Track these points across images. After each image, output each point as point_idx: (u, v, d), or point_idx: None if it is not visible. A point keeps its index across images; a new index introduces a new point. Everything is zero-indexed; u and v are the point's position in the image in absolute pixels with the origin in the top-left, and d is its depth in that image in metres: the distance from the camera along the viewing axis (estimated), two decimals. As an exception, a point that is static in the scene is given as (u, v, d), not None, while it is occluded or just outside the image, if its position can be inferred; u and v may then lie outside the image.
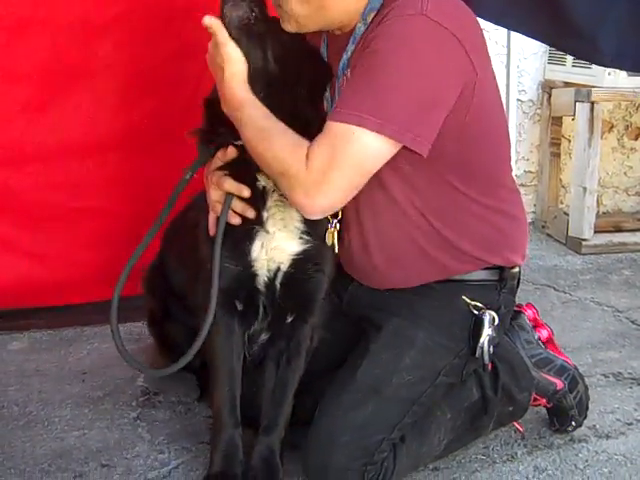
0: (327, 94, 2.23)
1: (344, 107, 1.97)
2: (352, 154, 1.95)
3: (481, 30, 2.14)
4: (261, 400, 2.32)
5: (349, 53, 2.14)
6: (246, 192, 2.15)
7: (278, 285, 2.21)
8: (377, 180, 2.08)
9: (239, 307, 2.24)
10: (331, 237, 2.24)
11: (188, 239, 2.41)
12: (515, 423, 2.49)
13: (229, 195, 2.15)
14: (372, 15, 2.08)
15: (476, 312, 2.26)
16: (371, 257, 2.26)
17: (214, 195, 2.20)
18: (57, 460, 2.40)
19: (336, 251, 2.27)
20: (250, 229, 2.16)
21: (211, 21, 2.05)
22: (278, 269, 2.19)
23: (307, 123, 2.08)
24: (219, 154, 2.19)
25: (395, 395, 2.20)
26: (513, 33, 3.80)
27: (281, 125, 2.04)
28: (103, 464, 2.39)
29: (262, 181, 2.16)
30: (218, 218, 2.16)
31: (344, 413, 2.16)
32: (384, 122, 1.93)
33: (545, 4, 2.61)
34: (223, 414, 2.24)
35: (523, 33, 2.93)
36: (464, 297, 2.26)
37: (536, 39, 2.98)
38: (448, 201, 2.19)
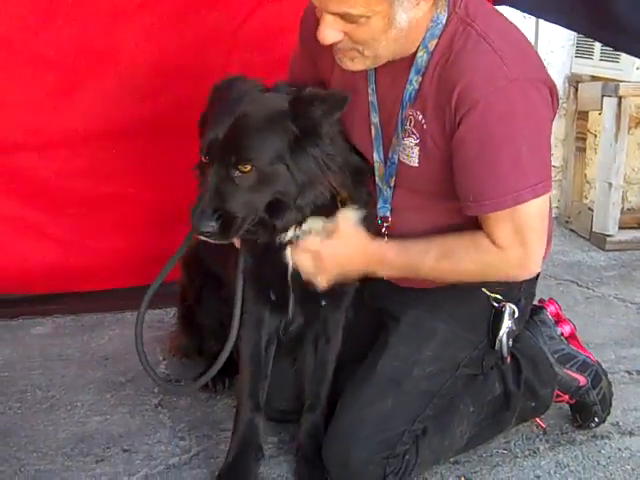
0: (375, 120, 2.17)
1: (488, 197, 2.00)
2: (531, 222, 2.05)
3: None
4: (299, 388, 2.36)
5: (415, 84, 2.07)
6: None
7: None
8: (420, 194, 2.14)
9: (272, 297, 2.24)
10: None
11: None
12: (537, 419, 2.49)
13: None
14: (434, 43, 2.04)
15: (496, 304, 2.27)
16: None
17: None
18: (79, 444, 2.42)
19: None
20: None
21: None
22: None
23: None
24: None
25: (415, 387, 2.20)
26: (540, 26, 3.79)
27: (436, 241, 2.10)
28: (125, 449, 2.40)
29: None
30: None
31: (364, 406, 2.17)
32: (544, 181, 2.03)
33: None
34: (244, 398, 2.27)
35: (564, 26, 2.92)
36: (484, 289, 2.26)
37: (577, 31, 2.97)
38: None
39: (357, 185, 2.16)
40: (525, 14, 3.64)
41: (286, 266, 2.17)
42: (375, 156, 2.20)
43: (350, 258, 2.13)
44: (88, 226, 3.24)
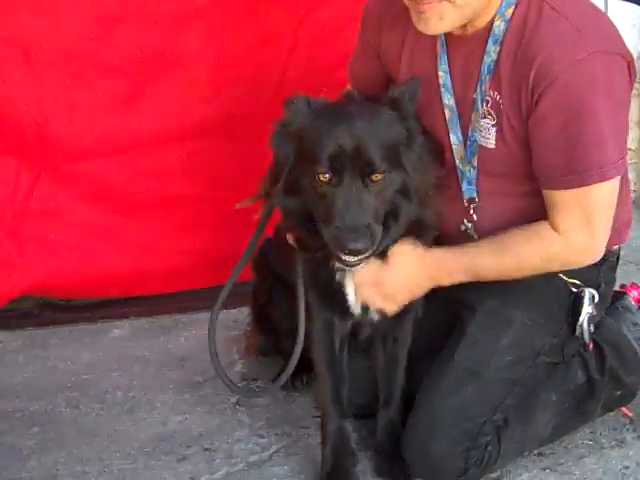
0: (449, 102, 2.16)
1: (577, 172, 1.98)
2: (603, 204, 2.04)
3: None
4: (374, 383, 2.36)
5: (493, 54, 2.04)
6: None
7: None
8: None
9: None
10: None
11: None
12: (623, 408, 2.42)
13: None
14: (510, 11, 2.01)
15: (575, 290, 2.22)
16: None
17: None
18: (160, 444, 2.45)
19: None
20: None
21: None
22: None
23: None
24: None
25: (495, 376, 2.16)
26: (610, 4, 3.68)
27: (492, 240, 2.10)
28: (205, 448, 2.42)
29: None
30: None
31: (444, 398, 2.14)
32: (618, 164, 2.00)
33: None
34: (329, 406, 2.26)
35: None
36: (561, 275, 2.21)
37: None
38: None
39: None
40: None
41: (345, 294, 2.19)
42: (453, 138, 2.17)
43: (412, 277, 2.13)
44: (160, 228, 3.27)
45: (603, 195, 2.02)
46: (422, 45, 2.16)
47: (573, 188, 1.99)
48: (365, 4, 2.39)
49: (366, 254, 1.96)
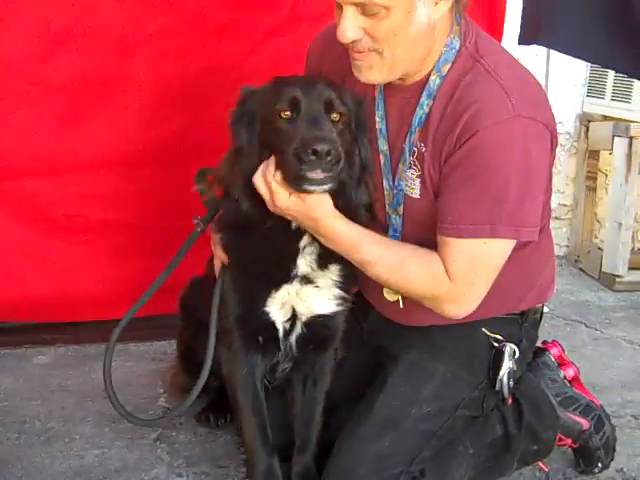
0: (384, 148, 2.19)
1: (471, 223, 2.00)
2: (491, 261, 2.06)
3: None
4: (289, 423, 2.33)
5: (425, 108, 2.09)
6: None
7: (299, 330, 2.21)
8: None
9: (261, 341, 2.23)
10: (391, 295, 2.23)
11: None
12: (539, 463, 2.44)
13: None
14: (447, 67, 2.06)
15: (496, 344, 2.25)
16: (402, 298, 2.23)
17: (217, 252, 2.26)
18: (75, 479, 2.40)
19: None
20: (278, 280, 2.15)
21: (278, 180, 1.99)
22: (299, 318, 2.20)
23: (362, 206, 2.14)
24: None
25: (413, 427, 2.17)
26: (552, 64, 3.79)
27: (402, 249, 2.10)
28: (121, 484, 2.38)
29: (303, 241, 2.13)
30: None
31: (362, 446, 2.14)
32: (518, 227, 2.03)
33: (627, 33, 2.58)
34: (256, 446, 2.24)
35: (602, 65, 2.90)
36: (484, 329, 2.25)
37: (616, 70, 2.95)
38: None
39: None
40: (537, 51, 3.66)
41: (274, 323, 2.18)
42: (385, 184, 2.20)
43: (307, 218, 2.04)
44: (90, 254, 3.25)
45: (491, 253, 2.04)
46: (362, 88, 2.19)
47: (465, 238, 2.01)
48: (309, 45, 2.43)
49: (330, 173, 1.92)
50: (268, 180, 1.99)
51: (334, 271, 2.17)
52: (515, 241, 2.06)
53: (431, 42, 2.05)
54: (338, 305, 2.20)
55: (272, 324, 2.18)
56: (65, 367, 3.06)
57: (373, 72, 2.06)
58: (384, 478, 2.11)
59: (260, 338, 2.22)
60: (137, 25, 3.07)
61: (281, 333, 2.20)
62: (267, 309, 2.16)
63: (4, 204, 3.17)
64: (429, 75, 2.09)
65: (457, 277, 2.04)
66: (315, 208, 2.01)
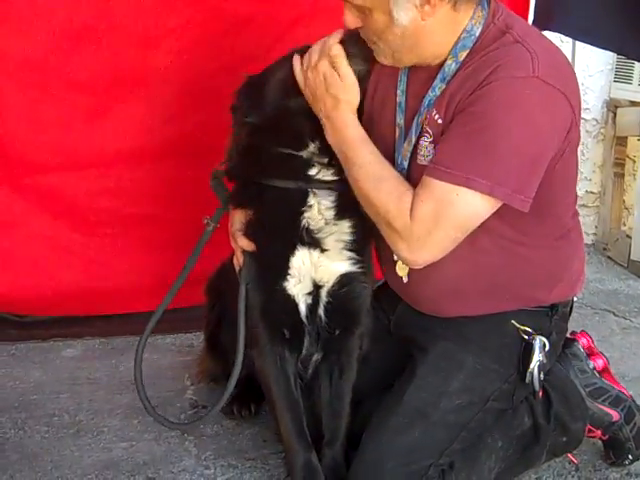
0: (401, 122, 2.19)
1: (449, 167, 1.96)
2: (457, 215, 1.99)
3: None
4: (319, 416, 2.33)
5: (437, 90, 2.08)
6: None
7: (322, 306, 2.21)
8: None
9: (287, 335, 2.23)
10: (402, 270, 2.23)
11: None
12: (569, 454, 2.42)
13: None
14: (464, 54, 2.05)
15: (526, 337, 2.23)
16: (429, 288, 2.22)
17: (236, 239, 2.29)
18: (104, 471, 2.41)
19: (404, 281, 2.25)
20: (293, 246, 2.18)
21: (337, 50, 2.08)
22: (321, 287, 2.20)
23: None
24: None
25: (443, 419, 2.16)
26: (578, 50, 3.74)
27: (389, 170, 2.09)
28: (149, 477, 2.39)
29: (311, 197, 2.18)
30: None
31: (391, 438, 2.13)
32: (494, 185, 1.94)
33: (636, 20, 2.55)
34: (293, 441, 2.25)
35: (614, 51, 2.87)
36: (513, 321, 2.22)
37: (627, 56, 2.91)
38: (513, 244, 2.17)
39: None
40: (564, 38, 3.62)
41: (296, 303, 2.20)
42: (396, 157, 2.19)
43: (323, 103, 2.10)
44: (117, 247, 3.25)
45: (459, 207, 1.97)
46: None
47: (438, 180, 1.97)
48: None
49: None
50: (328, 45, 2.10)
51: (344, 228, 2.19)
52: (491, 206, 1.99)
53: (432, 37, 2.04)
54: (353, 264, 2.20)
55: (295, 306, 2.19)
56: (93, 360, 3.08)
57: (381, 58, 2.12)
58: (413, 471, 2.10)
59: (286, 331, 2.22)
60: (158, 20, 3.06)
61: (304, 312, 2.20)
62: (286, 284, 2.17)
63: (31, 199, 3.18)
64: (446, 60, 2.08)
65: (418, 219, 1.99)
66: (345, 90, 2.06)
